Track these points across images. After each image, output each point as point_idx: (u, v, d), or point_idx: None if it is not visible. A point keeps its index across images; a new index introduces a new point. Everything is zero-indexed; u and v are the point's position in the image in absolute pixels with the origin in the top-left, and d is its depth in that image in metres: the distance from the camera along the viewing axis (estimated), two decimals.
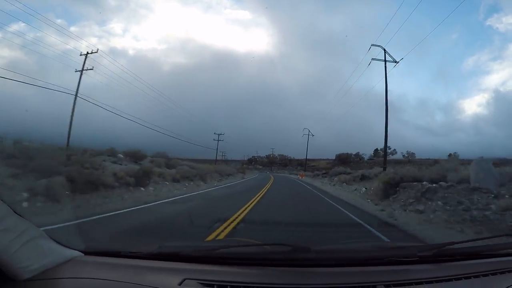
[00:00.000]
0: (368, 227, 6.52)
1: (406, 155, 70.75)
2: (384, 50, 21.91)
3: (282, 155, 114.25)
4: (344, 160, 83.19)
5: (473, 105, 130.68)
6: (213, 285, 1.08)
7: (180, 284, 1.07)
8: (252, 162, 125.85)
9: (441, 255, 1.40)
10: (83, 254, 1.26)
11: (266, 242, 1.45)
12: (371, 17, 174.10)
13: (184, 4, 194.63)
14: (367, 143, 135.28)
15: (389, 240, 4.94)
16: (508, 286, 1.19)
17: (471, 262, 1.42)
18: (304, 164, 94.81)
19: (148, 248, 1.30)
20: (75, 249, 1.26)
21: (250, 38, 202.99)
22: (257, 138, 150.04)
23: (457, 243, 1.50)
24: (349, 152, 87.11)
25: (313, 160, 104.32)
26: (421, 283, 1.19)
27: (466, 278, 1.25)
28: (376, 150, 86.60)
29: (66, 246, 1.24)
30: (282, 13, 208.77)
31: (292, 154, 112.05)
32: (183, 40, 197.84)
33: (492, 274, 1.29)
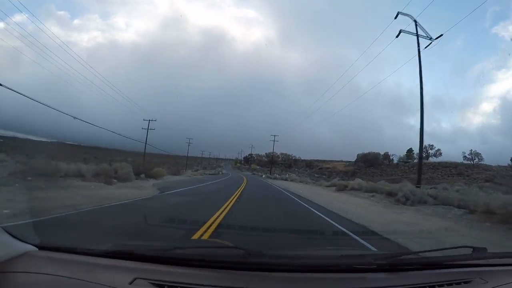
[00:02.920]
0: None
1: (469, 156, 51.14)
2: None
3: (285, 154, 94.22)
4: (370, 161, 63.28)
5: (479, 113, 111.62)
6: (163, 285, 1.10)
7: (131, 283, 1.09)
8: (249, 161, 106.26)
9: (397, 264, 1.44)
10: (37, 249, 1.27)
11: (224, 245, 1.58)
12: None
13: None
14: (380, 144, 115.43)
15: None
16: None
17: (427, 272, 1.45)
18: (313, 166, 73.95)
19: (102, 246, 1.31)
20: (30, 243, 1.27)
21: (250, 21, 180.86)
22: (255, 135, 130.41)
23: (413, 253, 1.66)
24: (375, 151, 66.55)
25: (325, 161, 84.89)
26: None
27: None
28: (410, 150, 66.23)
29: (21, 240, 1.26)
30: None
31: (296, 155, 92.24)
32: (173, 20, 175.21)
33: (448, 285, 1.32)
